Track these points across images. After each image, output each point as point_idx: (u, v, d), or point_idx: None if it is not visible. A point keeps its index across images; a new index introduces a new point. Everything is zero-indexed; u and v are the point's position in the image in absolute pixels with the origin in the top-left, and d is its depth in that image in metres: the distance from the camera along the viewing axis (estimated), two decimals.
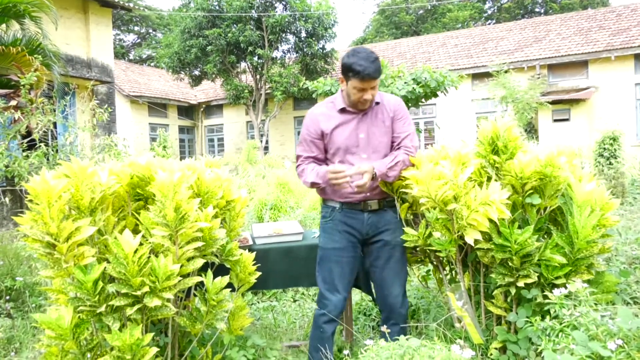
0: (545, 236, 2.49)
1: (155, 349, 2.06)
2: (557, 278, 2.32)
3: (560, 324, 1.92)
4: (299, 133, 21.67)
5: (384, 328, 2.38)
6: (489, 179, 2.47)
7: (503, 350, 2.51)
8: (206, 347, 2.49)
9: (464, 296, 2.48)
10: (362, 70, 2.34)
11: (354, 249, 2.55)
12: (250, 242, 2.96)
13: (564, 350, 1.76)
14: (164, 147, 13.75)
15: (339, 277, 2.52)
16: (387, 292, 2.56)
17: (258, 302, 4.20)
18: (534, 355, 2.25)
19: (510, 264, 2.37)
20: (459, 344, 1.86)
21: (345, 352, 2.02)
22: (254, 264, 2.57)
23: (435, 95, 11.63)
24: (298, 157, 2.57)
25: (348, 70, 2.39)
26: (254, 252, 2.60)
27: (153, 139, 20.22)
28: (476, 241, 2.52)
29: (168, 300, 2.17)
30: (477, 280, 2.71)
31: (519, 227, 2.38)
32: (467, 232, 2.32)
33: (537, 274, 2.35)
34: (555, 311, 2.02)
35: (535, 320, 2.04)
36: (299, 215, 6.24)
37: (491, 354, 2.46)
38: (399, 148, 2.51)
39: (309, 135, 2.52)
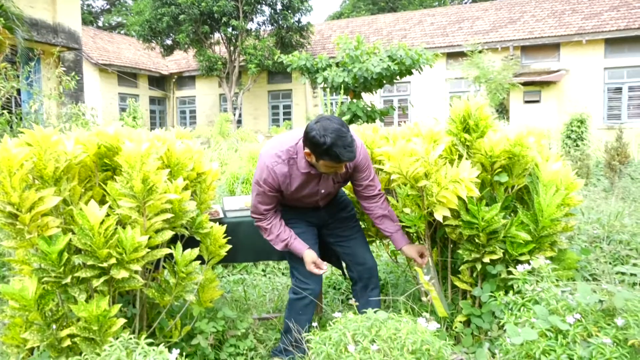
0: (512, 214, 2.55)
1: (122, 320, 2.05)
2: (521, 255, 2.39)
3: (523, 298, 1.98)
4: (273, 107, 21.51)
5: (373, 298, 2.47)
6: (460, 156, 2.51)
7: (467, 323, 2.59)
8: (175, 318, 2.49)
9: (431, 271, 2.54)
10: (341, 158, 2.26)
11: (313, 231, 2.67)
12: (221, 215, 2.95)
13: (525, 323, 1.82)
14: (134, 117, 13.47)
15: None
16: (362, 260, 2.65)
17: (228, 275, 4.21)
18: (497, 329, 2.34)
19: (477, 240, 2.43)
20: (425, 317, 1.90)
21: (314, 324, 2.05)
22: (224, 237, 2.56)
23: (410, 73, 11.65)
24: (257, 211, 2.51)
25: (323, 153, 2.25)
26: (225, 225, 2.59)
27: (123, 110, 19.76)
28: (445, 218, 2.57)
29: (136, 272, 2.14)
30: (445, 255, 2.78)
31: (487, 205, 2.43)
32: (437, 209, 2.36)
33: (502, 251, 2.42)
34: (518, 286, 2.09)
35: (499, 295, 2.10)
36: None
37: (455, 327, 2.54)
38: (372, 194, 2.55)
39: (270, 191, 2.45)
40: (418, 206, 2.49)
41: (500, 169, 2.45)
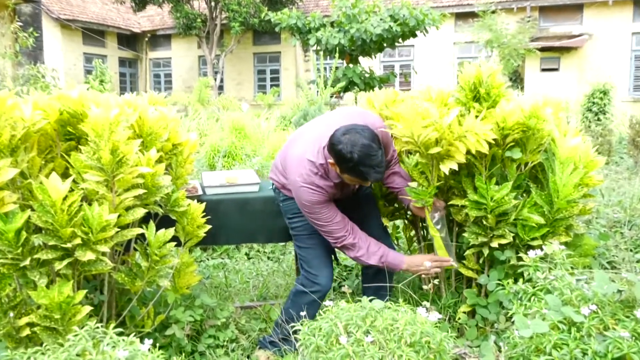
0: (524, 194, 2.57)
1: (88, 308, 2.05)
2: (533, 239, 2.42)
3: (534, 287, 2.01)
4: (259, 72, 21.35)
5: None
6: None
7: (472, 314, 2.63)
8: (148, 306, 2.50)
9: (440, 220, 2.58)
10: (367, 178, 2.32)
11: None
12: (200, 192, 2.95)
13: (536, 315, 1.84)
14: (101, 81, 13.34)
15: (324, 246, 2.65)
16: (378, 239, 2.70)
17: (207, 259, 4.23)
18: (504, 320, 2.37)
19: (484, 222, 2.46)
20: (425, 306, 1.92)
21: (303, 313, 2.07)
22: (203, 216, 2.57)
23: (414, 36, 11.60)
24: (336, 232, 2.50)
25: (349, 170, 2.32)
26: (204, 203, 2.59)
27: (88, 72, 19.49)
28: (449, 197, 2.60)
29: (103, 254, 2.14)
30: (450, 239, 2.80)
31: (497, 183, 2.45)
32: (444, 163, 2.38)
33: (512, 235, 2.44)
34: (529, 274, 2.11)
35: (508, 283, 2.12)
36: (255, 164, 6.22)
37: (459, 318, 2.58)
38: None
39: (326, 202, 2.46)
40: (426, 179, 2.51)
41: (512, 144, 2.46)
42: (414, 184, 2.56)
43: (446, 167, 2.36)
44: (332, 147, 2.31)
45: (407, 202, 2.68)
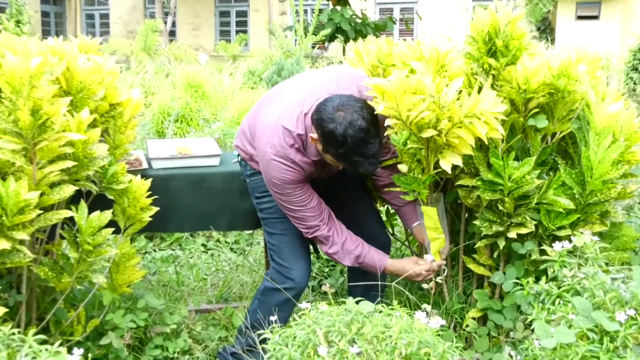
0: (550, 172, 2.59)
1: (1, 310, 2.05)
2: (560, 228, 2.44)
3: (559, 287, 2.02)
4: (221, 14, 21.14)
5: None
6: (480, 90, 2.52)
7: (483, 321, 2.66)
8: (78, 308, 2.50)
9: (439, 209, 2.62)
10: (358, 169, 2.35)
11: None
12: (145, 166, 2.94)
13: (561, 321, 1.86)
14: (18, 21, 13.12)
15: (299, 233, 2.65)
16: (372, 232, 2.79)
17: (154, 251, 4.23)
18: (522, 328, 2.41)
19: (500, 207, 2.47)
20: (425, 310, 1.92)
21: (273, 317, 2.07)
22: (148, 196, 2.56)
23: None
24: (310, 220, 2.53)
25: (338, 156, 2.34)
26: (150, 180, 2.59)
27: (1, 10, 19.14)
28: (458, 176, 2.61)
29: (21, 242, 2.14)
30: (457, 228, 2.84)
31: (516, 159, 2.45)
32: (444, 155, 2.37)
33: (534, 223, 2.46)
34: (553, 271, 2.13)
35: (527, 282, 2.14)
36: (216, 130, 6.21)
37: (467, 326, 2.61)
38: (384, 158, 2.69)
39: (300, 182, 2.47)
40: (419, 163, 2.51)
41: (536, 110, 2.47)
42: (403, 167, 2.57)
43: (447, 163, 2.35)
44: (320, 122, 2.31)
45: (411, 224, 2.78)
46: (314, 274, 3.67)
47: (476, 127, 2.25)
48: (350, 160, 2.33)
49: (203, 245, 4.38)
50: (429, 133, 2.31)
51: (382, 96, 2.29)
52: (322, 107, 2.32)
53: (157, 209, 2.61)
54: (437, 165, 2.44)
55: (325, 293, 2.25)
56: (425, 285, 2.43)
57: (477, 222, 2.56)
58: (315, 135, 2.35)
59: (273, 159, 2.42)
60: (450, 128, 2.29)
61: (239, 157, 2.78)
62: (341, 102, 2.29)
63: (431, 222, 2.58)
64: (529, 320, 1.98)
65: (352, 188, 2.84)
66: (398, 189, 2.62)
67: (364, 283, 2.73)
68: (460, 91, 2.34)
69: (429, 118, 2.28)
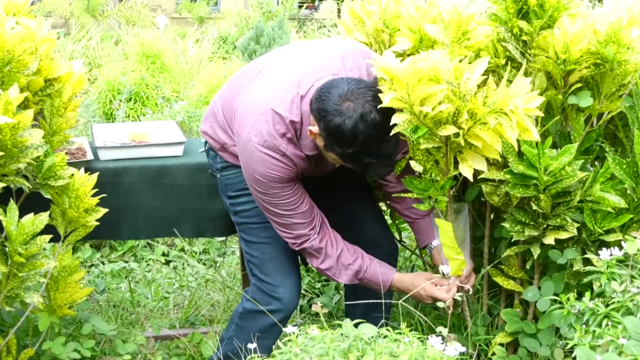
0: (595, 163, 2.59)
1: None
2: (608, 232, 2.43)
3: (607, 305, 2.01)
4: None
5: None
6: (510, 61, 2.52)
7: (513, 347, 2.65)
8: (7, 335, 2.50)
9: (461, 222, 2.62)
10: (368, 173, 2.44)
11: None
12: (90, 157, 2.92)
13: (609, 346, 1.85)
14: None
15: (287, 248, 2.65)
16: (375, 239, 2.79)
17: (103, 263, 4.20)
18: (561, 356, 2.42)
19: (535, 207, 2.44)
20: (440, 334, 1.90)
21: (252, 346, 2.08)
22: (95, 195, 2.55)
23: None
24: (295, 227, 2.53)
25: (345, 156, 2.33)
26: (96, 174, 2.57)
27: None
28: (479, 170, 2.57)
29: None
30: (480, 233, 2.83)
31: (554, 146, 2.45)
32: (464, 158, 2.34)
33: (577, 225, 2.43)
34: (600, 285, 2.12)
35: (568, 299, 2.13)
36: (178, 112, 6.18)
37: (493, 354, 2.60)
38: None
39: (289, 183, 2.46)
40: (436, 164, 2.49)
41: (579, 85, 2.46)
42: (417, 166, 2.55)
43: (468, 168, 2.31)
44: (323, 114, 2.26)
45: (427, 242, 2.78)
46: (303, 291, 3.63)
47: (504, 130, 2.19)
48: (360, 162, 2.30)
49: (164, 255, 4.35)
50: (448, 130, 2.25)
51: (391, 83, 2.21)
52: (325, 94, 2.26)
53: (106, 210, 2.60)
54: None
55: (317, 314, 2.23)
56: (440, 304, 2.43)
57: (505, 225, 2.53)
58: (315, 129, 2.31)
59: (258, 150, 2.37)
60: (471, 126, 2.24)
61: (207, 146, 2.75)
62: (349, 89, 2.24)
63: (447, 239, 2.54)
64: (569, 346, 1.97)
65: (348, 184, 2.83)
66: (412, 196, 2.57)
67: (364, 302, 2.65)
68: (487, 77, 2.30)
69: (447, 111, 2.23)
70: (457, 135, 2.27)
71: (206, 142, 2.74)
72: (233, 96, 2.58)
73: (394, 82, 2.19)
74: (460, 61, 2.25)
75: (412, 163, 2.60)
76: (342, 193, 2.81)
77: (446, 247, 2.55)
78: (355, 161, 2.31)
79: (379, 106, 2.20)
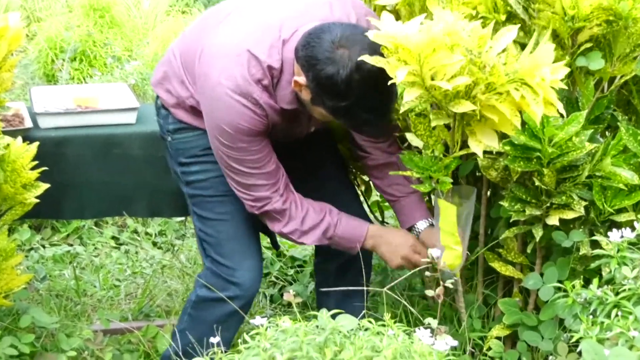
0: (606, 133, 2.61)
1: None
2: (619, 211, 2.46)
3: (617, 293, 2.04)
4: None
5: None
6: (511, 17, 2.52)
7: (512, 341, 2.69)
8: None
9: (466, 210, 2.61)
10: (361, 132, 2.43)
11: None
12: (29, 124, 2.94)
13: (618, 339, 1.87)
14: None
15: (247, 226, 2.70)
16: (354, 214, 2.78)
17: (43, 247, 4.20)
18: (565, 351, 2.44)
19: (537, 182, 2.46)
20: (429, 326, 1.92)
21: (215, 339, 2.03)
22: (34, 168, 2.55)
23: None
24: (253, 188, 2.55)
25: (336, 111, 2.34)
26: (36, 144, 2.58)
27: None
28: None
29: None
30: (475, 212, 2.80)
31: (560, 115, 2.40)
32: (473, 132, 2.32)
33: (584, 204, 2.46)
34: (609, 271, 2.15)
35: (573, 287, 2.15)
36: (131, 73, 6.18)
37: (489, 349, 2.64)
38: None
39: (257, 138, 2.48)
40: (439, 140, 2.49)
41: (589, 45, 2.46)
42: (414, 139, 2.54)
43: (478, 144, 2.29)
44: (312, 63, 2.27)
45: (411, 223, 2.78)
46: (273, 278, 3.70)
47: (528, 103, 2.17)
48: (354, 118, 2.33)
49: (114, 238, 4.34)
50: (464, 106, 2.21)
51: (394, 50, 2.16)
52: (314, 40, 2.26)
53: (48, 186, 2.60)
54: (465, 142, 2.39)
55: (289, 305, 2.27)
56: (429, 292, 2.38)
57: (504, 204, 2.56)
58: (302, 80, 2.32)
59: (228, 96, 2.37)
60: (487, 97, 2.20)
61: (158, 103, 2.73)
62: (343, 35, 2.25)
63: (448, 225, 2.53)
64: (574, 339, 1.97)
65: (320, 154, 2.87)
66: (401, 173, 2.57)
67: (341, 289, 2.64)
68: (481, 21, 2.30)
69: (463, 85, 2.18)
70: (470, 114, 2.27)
71: (157, 97, 2.72)
72: (196, 41, 2.56)
73: (403, 52, 2.15)
74: (484, 26, 2.25)
75: (410, 137, 2.58)
76: (313, 164, 2.83)
77: (445, 234, 2.53)
78: (347, 116, 2.33)
79: (377, 52, 2.17)
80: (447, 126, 2.41)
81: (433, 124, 2.39)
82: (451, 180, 2.46)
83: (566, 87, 2.37)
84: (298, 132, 2.66)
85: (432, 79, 2.15)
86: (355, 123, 2.38)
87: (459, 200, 2.58)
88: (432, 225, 2.71)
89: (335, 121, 2.47)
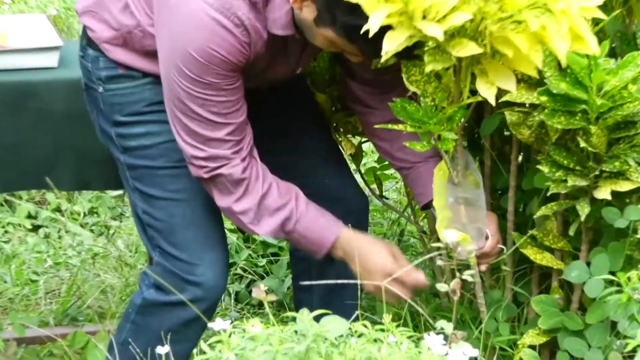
0: None
1: None
2: None
3: None
4: None
5: None
6: None
7: (550, 350, 2.64)
8: None
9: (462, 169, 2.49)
10: (364, 54, 2.25)
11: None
12: None
13: None
14: None
15: (208, 207, 2.60)
16: (335, 191, 2.79)
17: None
18: None
19: (583, 144, 2.34)
20: (441, 330, 1.84)
21: (162, 349, 1.95)
22: None
23: None
24: (217, 152, 2.41)
25: (354, 30, 2.12)
26: None
27: None
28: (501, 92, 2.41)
29: None
30: (502, 183, 2.79)
31: (612, 55, 2.38)
32: (484, 71, 2.21)
33: None
34: None
35: (629, 279, 2.06)
36: (51, 0, 6.30)
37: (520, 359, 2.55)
38: (387, 78, 2.63)
39: (229, 74, 2.31)
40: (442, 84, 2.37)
41: None
42: (412, 87, 2.41)
43: (489, 89, 2.17)
44: None
45: (405, 161, 2.69)
46: (239, 270, 3.71)
47: (550, 37, 2.07)
48: (375, 38, 2.10)
49: (30, 218, 4.32)
50: (470, 49, 2.12)
51: None
52: None
53: None
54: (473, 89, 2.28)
55: (260, 304, 2.32)
56: (441, 287, 2.26)
57: (542, 170, 2.44)
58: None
59: (204, 12, 2.22)
60: (501, 26, 2.11)
61: (83, 42, 2.59)
62: None
63: (436, 189, 2.56)
64: (629, 347, 1.90)
65: (299, 110, 2.87)
66: (405, 128, 2.45)
67: (327, 282, 2.54)
68: None
69: (468, 22, 2.08)
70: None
71: (84, 31, 2.58)
72: None
73: None
74: None
75: (408, 83, 2.46)
76: (290, 122, 2.78)
77: (436, 196, 2.55)
78: (365, 37, 2.09)
79: None
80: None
81: (428, 69, 2.27)
82: (455, 137, 2.36)
83: (607, 18, 2.27)
84: (280, 73, 2.59)
85: (424, 17, 2.07)
86: (376, 46, 2.11)
87: (463, 169, 2.52)
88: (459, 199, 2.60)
89: (338, 50, 2.36)
